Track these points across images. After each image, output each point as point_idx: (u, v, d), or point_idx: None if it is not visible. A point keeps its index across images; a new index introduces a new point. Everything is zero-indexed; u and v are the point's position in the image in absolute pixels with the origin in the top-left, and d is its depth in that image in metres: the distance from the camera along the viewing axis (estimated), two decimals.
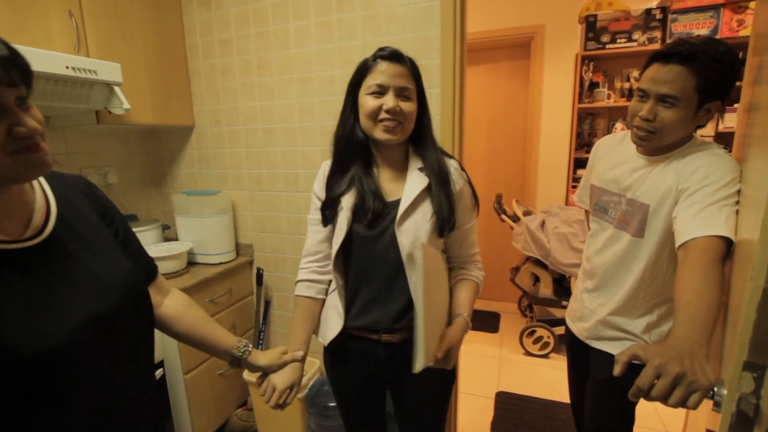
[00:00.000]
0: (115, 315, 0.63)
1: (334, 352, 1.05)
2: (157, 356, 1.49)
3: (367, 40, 1.52)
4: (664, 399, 0.58)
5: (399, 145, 0.96)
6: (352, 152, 0.95)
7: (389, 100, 0.88)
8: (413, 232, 0.91)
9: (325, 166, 1.03)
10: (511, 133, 3.10)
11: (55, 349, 0.54)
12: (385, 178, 0.98)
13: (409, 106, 0.91)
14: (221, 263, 1.79)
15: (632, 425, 1.16)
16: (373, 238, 0.93)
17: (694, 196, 0.87)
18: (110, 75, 1.36)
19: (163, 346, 1.54)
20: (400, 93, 0.90)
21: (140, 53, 1.61)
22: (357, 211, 0.93)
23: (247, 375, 1.68)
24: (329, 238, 1.00)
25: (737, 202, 0.83)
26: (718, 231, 0.79)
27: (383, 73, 0.89)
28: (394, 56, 0.90)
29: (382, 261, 0.94)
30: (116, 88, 1.40)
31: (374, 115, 0.90)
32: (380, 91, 0.89)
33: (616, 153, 1.11)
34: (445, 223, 0.93)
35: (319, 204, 1.00)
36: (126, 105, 1.40)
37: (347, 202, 0.94)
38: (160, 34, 1.70)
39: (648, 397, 0.59)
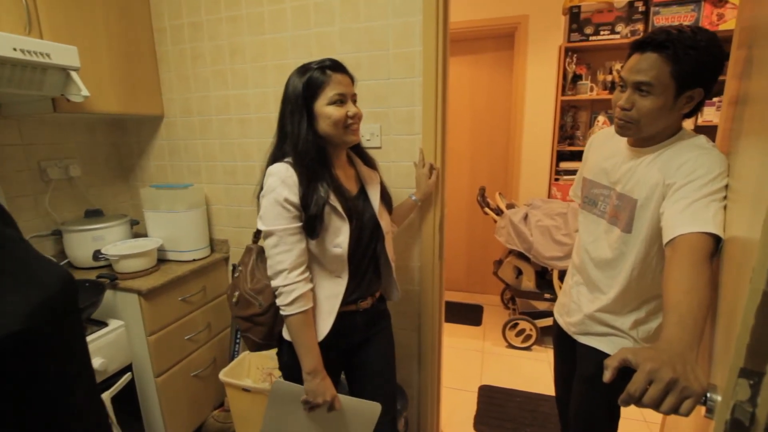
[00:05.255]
0: (58, 303, 0.61)
1: (325, 341, 1.04)
2: (125, 360, 1.42)
3: (346, 26, 1.45)
4: (656, 406, 0.55)
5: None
6: (319, 161, 1.00)
7: (352, 107, 1.01)
8: (385, 216, 1.16)
9: (286, 173, 0.97)
10: (495, 125, 3.07)
11: (11, 335, 0.51)
12: (342, 178, 1.08)
13: (360, 110, 1.03)
14: (194, 260, 1.71)
15: (618, 420, 1.16)
16: (361, 230, 1.07)
17: (681, 191, 0.85)
18: (66, 59, 1.25)
19: (132, 349, 1.47)
20: (354, 99, 1.03)
21: (102, 36, 1.49)
22: (348, 212, 1.02)
23: (223, 376, 1.61)
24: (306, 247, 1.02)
25: (725, 197, 0.81)
26: (706, 227, 0.77)
27: (340, 83, 0.99)
28: (341, 67, 1.01)
29: (367, 245, 1.10)
30: (73, 74, 1.29)
31: (343, 123, 1.00)
32: (341, 100, 0.99)
33: (607, 146, 1.09)
34: (391, 204, 1.23)
35: (295, 213, 0.97)
36: (84, 92, 1.30)
37: (336, 206, 1.00)
38: (124, 17, 1.58)
39: (639, 403, 0.56)
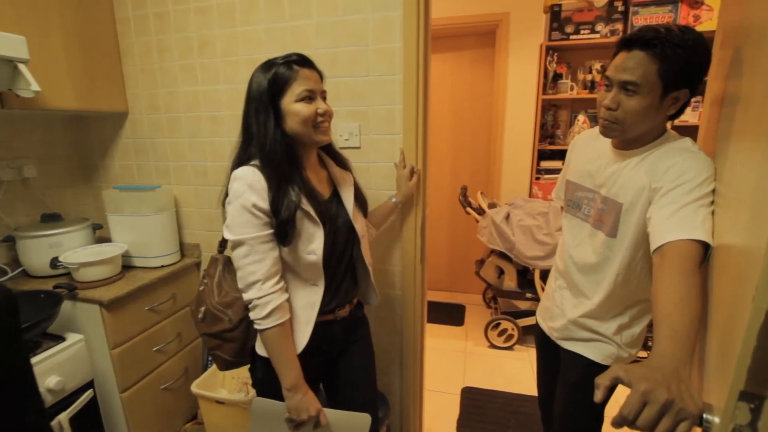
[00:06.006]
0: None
1: (303, 353, 0.98)
2: (85, 376, 1.32)
3: (323, 20, 1.38)
4: (651, 429, 0.52)
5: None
6: (288, 162, 0.94)
7: (321, 104, 0.95)
8: (360, 219, 1.09)
9: (253, 177, 0.90)
10: (477, 124, 3.05)
11: None
12: (314, 180, 1.01)
13: (330, 108, 0.97)
14: (163, 266, 1.61)
15: (602, 423, 1.14)
16: (335, 235, 1.01)
17: (668, 195, 0.82)
18: (12, 50, 1.14)
19: (93, 364, 1.36)
20: (323, 96, 0.97)
21: (55, 26, 1.38)
22: (321, 217, 0.96)
23: (195, 388, 1.53)
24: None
25: (712, 202, 0.79)
26: (695, 234, 0.74)
27: (308, 79, 0.93)
28: (308, 62, 0.96)
29: (343, 250, 1.04)
30: (21, 66, 1.18)
31: (313, 121, 0.93)
32: (310, 96, 0.93)
33: (591, 147, 1.06)
34: (366, 207, 1.16)
35: (265, 219, 0.91)
36: (35, 87, 1.19)
37: (308, 210, 0.94)
38: (81, 5, 1.47)
39: (632, 426, 0.53)
